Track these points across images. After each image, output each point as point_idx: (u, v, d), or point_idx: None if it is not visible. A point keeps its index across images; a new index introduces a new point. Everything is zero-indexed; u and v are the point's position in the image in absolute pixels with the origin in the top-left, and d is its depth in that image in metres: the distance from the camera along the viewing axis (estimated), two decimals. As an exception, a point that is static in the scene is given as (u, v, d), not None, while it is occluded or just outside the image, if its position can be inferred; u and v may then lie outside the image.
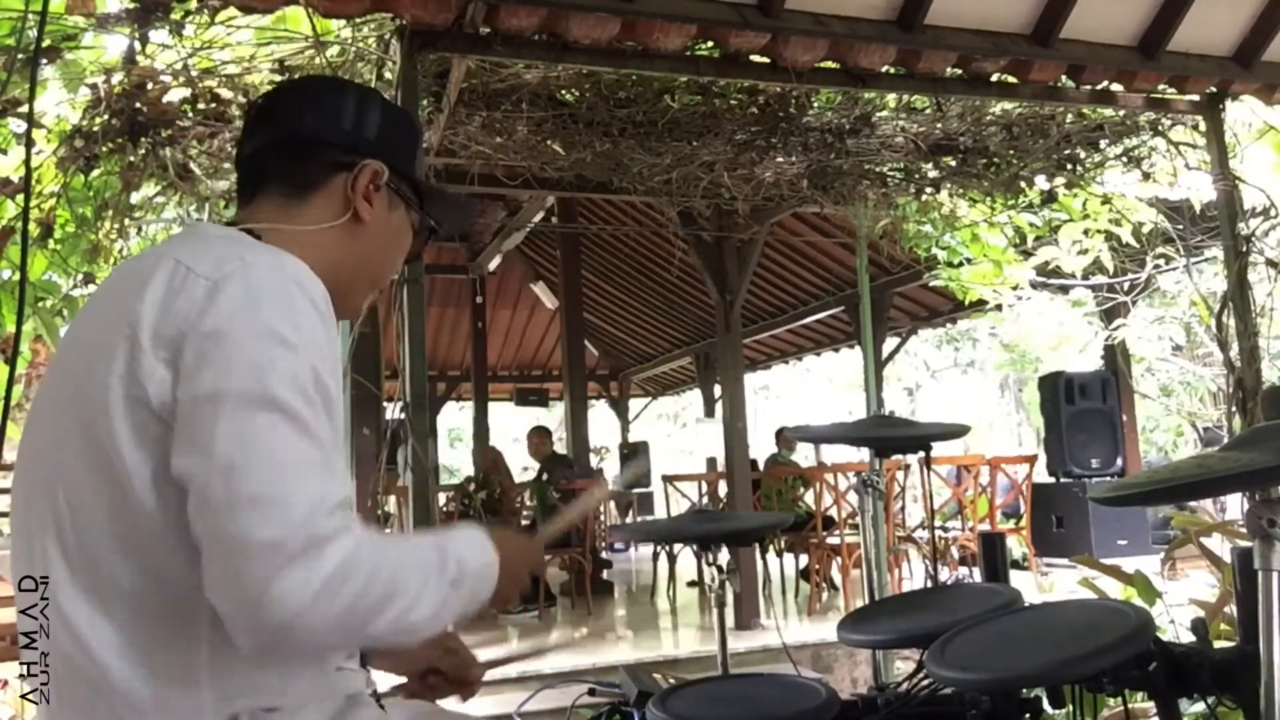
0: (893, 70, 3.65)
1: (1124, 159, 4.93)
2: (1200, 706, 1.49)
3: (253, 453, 0.92)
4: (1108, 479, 8.21)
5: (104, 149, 3.23)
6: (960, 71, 3.70)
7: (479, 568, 1.10)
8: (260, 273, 1.00)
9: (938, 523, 7.52)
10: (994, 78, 3.78)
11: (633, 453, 13.47)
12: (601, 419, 16.32)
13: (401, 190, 1.26)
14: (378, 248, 1.25)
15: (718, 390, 8.87)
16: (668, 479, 8.60)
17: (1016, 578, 2.67)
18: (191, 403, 0.95)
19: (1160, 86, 3.94)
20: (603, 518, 8.93)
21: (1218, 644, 1.51)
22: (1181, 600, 3.45)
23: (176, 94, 3.23)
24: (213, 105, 3.28)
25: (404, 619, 0.98)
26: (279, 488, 0.91)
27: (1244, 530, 1.24)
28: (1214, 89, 4.00)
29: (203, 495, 0.93)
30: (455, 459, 21.52)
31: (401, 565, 1.00)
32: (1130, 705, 1.92)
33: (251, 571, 0.89)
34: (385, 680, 1.33)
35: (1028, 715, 1.57)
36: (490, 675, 1.50)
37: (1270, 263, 4.11)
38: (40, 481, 1.04)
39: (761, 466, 8.57)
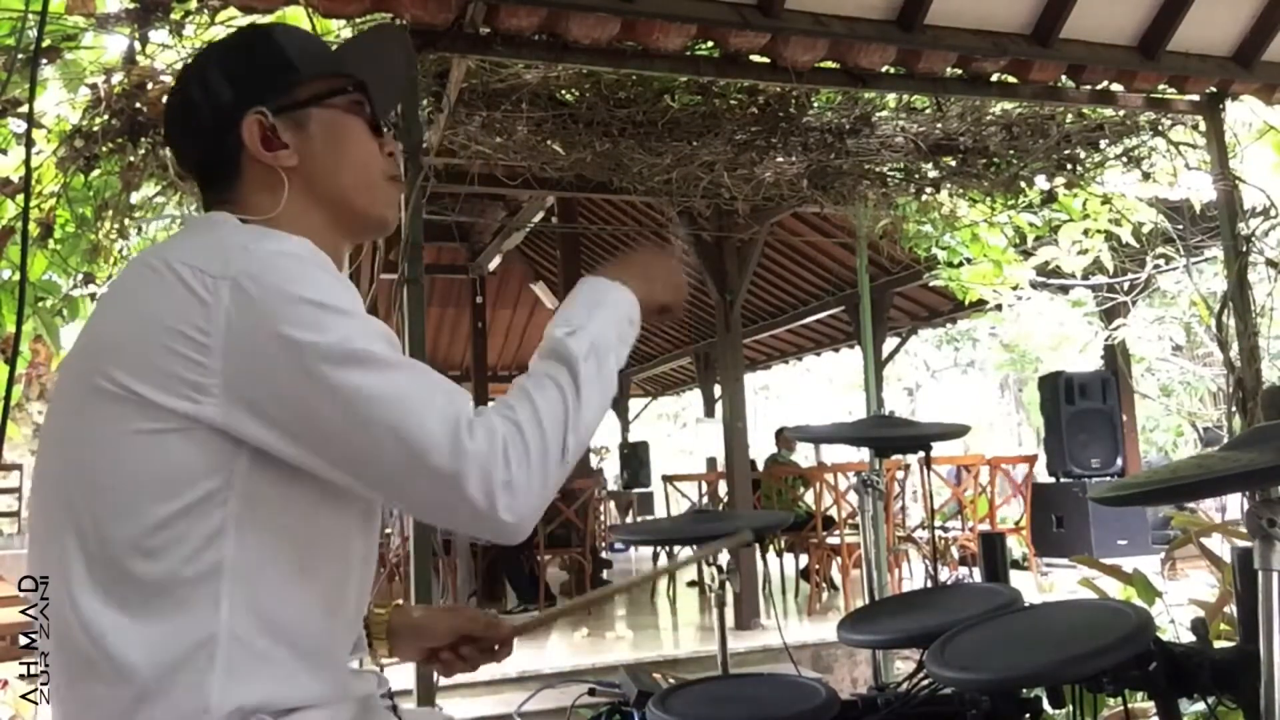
0: (893, 70, 3.65)
1: (1124, 159, 4.93)
2: (1200, 706, 1.49)
3: (385, 412, 0.97)
4: (1108, 479, 8.21)
5: (104, 149, 3.23)
6: (960, 71, 3.70)
7: (612, 329, 1.14)
8: (269, 258, 1.00)
9: (937, 523, 7.52)
10: (994, 78, 3.78)
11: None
12: (601, 419, 16.28)
13: (297, 100, 1.15)
14: (333, 165, 1.16)
15: (718, 390, 8.87)
16: (668, 479, 8.60)
17: (1016, 578, 2.67)
18: (285, 408, 0.97)
19: (1160, 86, 3.95)
20: (603, 518, 8.92)
21: (1218, 644, 1.51)
22: (1181, 600, 3.45)
23: (176, 94, 3.23)
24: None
25: (588, 430, 1.07)
26: (420, 439, 0.97)
27: (1244, 530, 1.24)
28: (1214, 89, 4.00)
29: (367, 476, 1.00)
30: (455, 459, 21.45)
31: (552, 411, 1.04)
32: (1130, 705, 1.92)
33: (459, 520, 1.00)
34: (395, 680, 1.32)
35: (1028, 715, 1.57)
36: (491, 674, 1.48)
37: (1270, 263, 4.11)
38: (57, 477, 1.04)
39: (761, 467, 8.57)
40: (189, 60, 1.24)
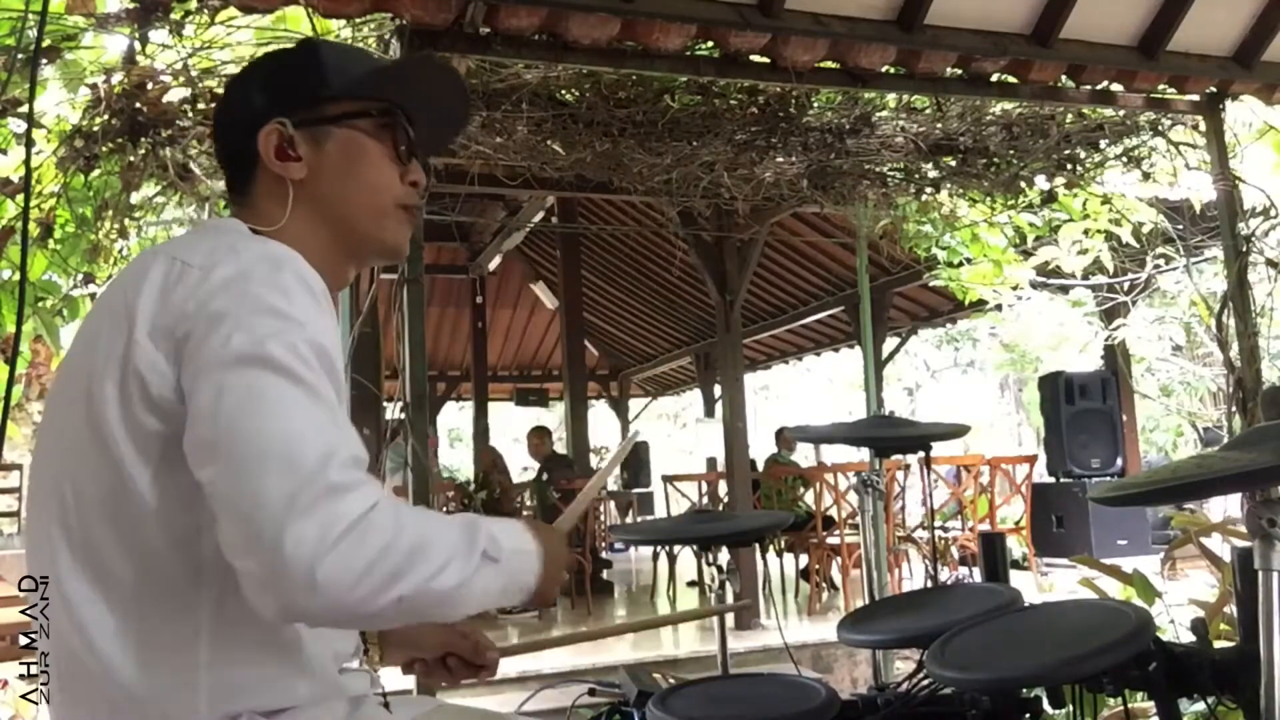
0: (893, 70, 3.65)
1: (1124, 159, 4.93)
2: (1200, 706, 1.49)
3: (258, 412, 0.91)
4: (1108, 479, 8.21)
5: (104, 149, 3.23)
6: (960, 71, 3.70)
7: (515, 548, 1.04)
8: (249, 255, 1.01)
9: (937, 523, 7.52)
10: (994, 78, 3.78)
11: None
12: (601, 419, 16.32)
13: (321, 116, 1.16)
14: (342, 185, 1.16)
15: (718, 390, 8.86)
16: (668, 479, 8.60)
17: (1016, 578, 2.67)
18: (193, 378, 0.95)
19: (1160, 86, 3.94)
20: (603, 518, 8.92)
21: (1218, 644, 1.51)
22: (1181, 600, 3.45)
23: (176, 94, 3.23)
24: (213, 105, 3.28)
25: (431, 584, 0.93)
26: (287, 442, 0.89)
27: (1244, 530, 1.24)
28: (1214, 89, 4.00)
29: (212, 459, 0.92)
30: (455, 459, 21.51)
31: (427, 527, 0.95)
32: (1130, 705, 1.92)
33: (265, 524, 0.86)
34: (392, 681, 1.33)
35: (1028, 715, 1.57)
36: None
37: (1270, 263, 4.11)
38: (48, 474, 1.05)
39: (761, 467, 8.57)
40: (250, 65, 1.26)
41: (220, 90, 3.28)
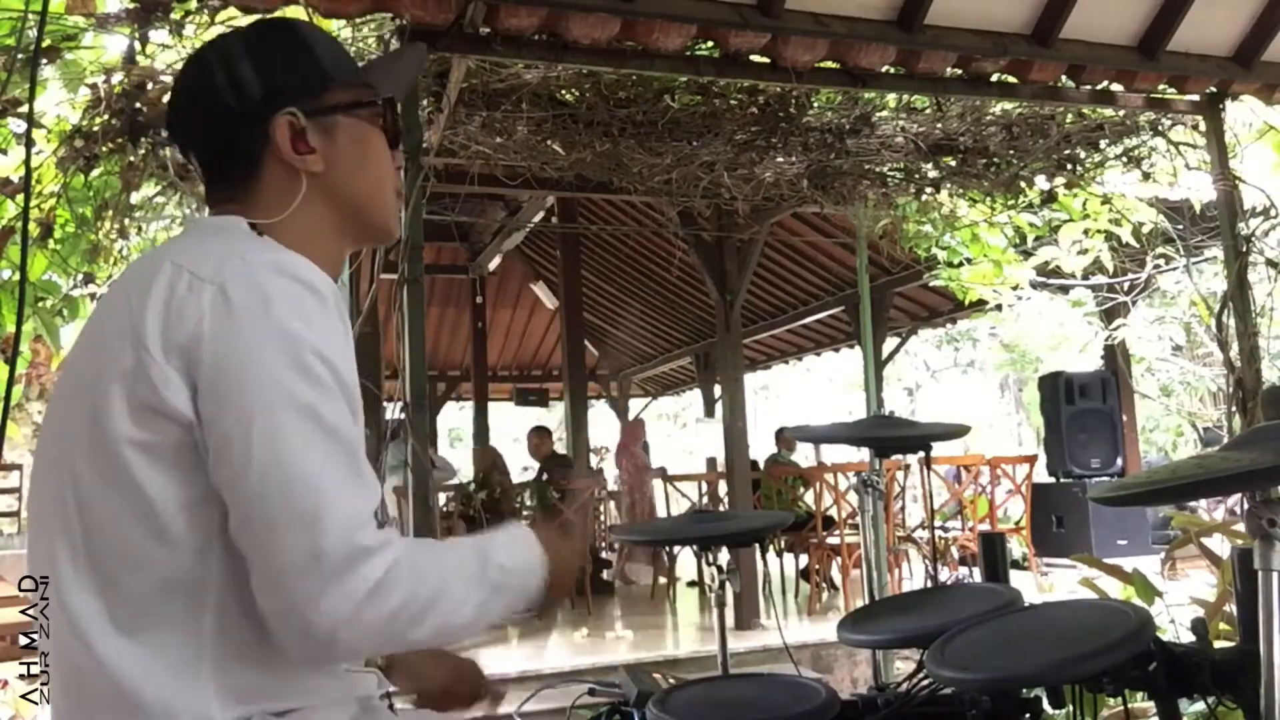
0: (893, 70, 3.65)
1: (1124, 159, 4.93)
2: (1200, 706, 1.49)
3: (287, 470, 0.94)
4: (1108, 479, 8.21)
5: (104, 149, 3.23)
6: (960, 71, 3.70)
7: (524, 567, 1.12)
8: (264, 274, 0.99)
9: (937, 523, 7.52)
10: (994, 78, 3.78)
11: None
12: (601, 419, 16.32)
13: (329, 107, 1.15)
14: (355, 176, 1.17)
15: (718, 390, 8.86)
16: (668, 479, 8.60)
17: (1016, 578, 2.67)
18: (217, 420, 0.95)
19: (1160, 86, 3.95)
20: (603, 518, 8.92)
21: (1218, 644, 1.51)
22: (1181, 600, 3.45)
23: (176, 94, 3.23)
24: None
25: (446, 624, 1.02)
26: (316, 505, 0.94)
27: (1244, 530, 1.24)
28: (1214, 89, 4.01)
29: (244, 514, 0.95)
30: (455, 459, 21.51)
31: (443, 574, 1.03)
32: (1130, 705, 1.92)
33: (295, 589, 0.93)
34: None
35: (1028, 715, 1.57)
36: (491, 674, 1.49)
37: (1270, 263, 4.11)
38: (50, 479, 1.04)
39: (761, 467, 8.57)
40: (209, 46, 1.20)
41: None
